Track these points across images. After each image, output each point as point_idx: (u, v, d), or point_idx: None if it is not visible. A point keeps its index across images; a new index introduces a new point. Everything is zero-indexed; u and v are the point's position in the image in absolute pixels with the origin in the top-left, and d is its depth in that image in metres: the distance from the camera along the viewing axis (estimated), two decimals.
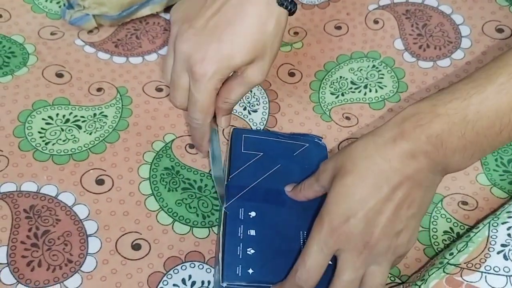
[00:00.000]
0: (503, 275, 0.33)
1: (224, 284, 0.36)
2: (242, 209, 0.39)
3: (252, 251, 0.37)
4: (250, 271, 0.36)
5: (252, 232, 0.37)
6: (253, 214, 0.38)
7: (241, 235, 0.37)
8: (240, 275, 0.36)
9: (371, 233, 0.31)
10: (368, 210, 0.30)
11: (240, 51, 0.33)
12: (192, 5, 0.36)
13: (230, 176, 0.40)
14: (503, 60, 0.30)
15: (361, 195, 0.30)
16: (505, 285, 0.33)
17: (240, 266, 0.36)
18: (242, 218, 0.38)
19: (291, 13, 0.35)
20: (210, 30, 0.34)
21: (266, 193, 0.40)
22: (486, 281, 0.33)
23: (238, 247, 0.37)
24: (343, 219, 0.31)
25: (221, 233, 0.39)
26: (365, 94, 0.51)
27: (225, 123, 0.38)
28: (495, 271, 0.33)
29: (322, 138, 0.45)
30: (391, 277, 0.41)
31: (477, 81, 0.29)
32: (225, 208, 0.39)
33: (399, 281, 0.40)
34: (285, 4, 0.34)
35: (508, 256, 0.34)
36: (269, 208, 0.38)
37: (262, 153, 0.42)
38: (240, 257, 0.37)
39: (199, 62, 0.34)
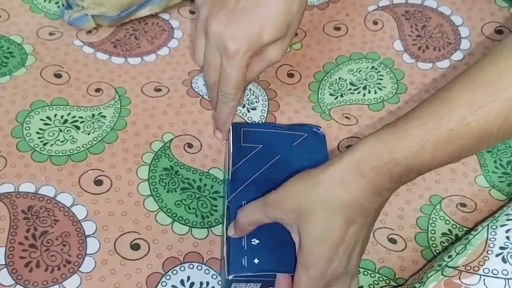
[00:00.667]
0: (502, 278, 0.33)
1: (231, 276, 0.36)
2: (244, 201, 0.39)
3: (257, 241, 0.37)
4: (256, 261, 0.36)
5: None
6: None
7: None
8: (246, 265, 0.36)
9: (352, 263, 0.34)
10: (346, 245, 0.33)
11: (268, 30, 0.36)
12: None
13: (231, 170, 0.40)
14: (451, 92, 0.31)
15: (337, 234, 0.32)
16: None
17: (245, 257, 0.36)
18: None
19: None
20: (240, 11, 0.36)
21: (267, 184, 0.39)
22: (484, 283, 0.33)
23: (243, 238, 0.37)
24: (327, 262, 0.32)
25: (224, 227, 0.39)
26: (364, 95, 0.51)
27: (240, 100, 0.41)
28: (494, 274, 0.33)
29: (320, 127, 0.45)
30: (386, 280, 0.41)
31: (427, 125, 0.31)
32: (227, 202, 0.39)
33: (395, 284, 0.40)
34: None
35: (507, 259, 0.34)
36: None
37: (261, 145, 0.42)
38: (245, 248, 0.37)
39: (232, 40, 0.36)
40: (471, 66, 0.32)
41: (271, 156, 0.42)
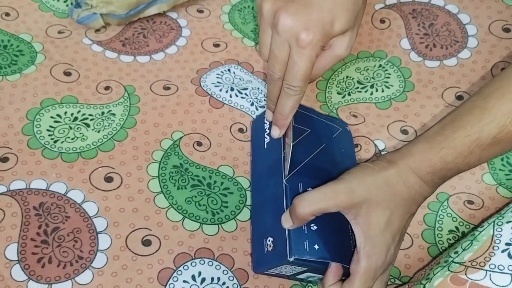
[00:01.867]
0: (508, 273, 0.33)
1: (292, 258, 0.36)
2: (301, 184, 0.39)
3: (315, 227, 0.37)
4: (316, 246, 0.36)
5: None
6: (310, 190, 0.37)
7: None
8: (308, 250, 0.36)
9: (395, 253, 0.37)
10: (400, 234, 0.36)
11: (339, 19, 0.37)
12: None
13: (291, 146, 0.40)
14: (490, 102, 0.36)
15: (397, 224, 0.36)
16: (510, 283, 0.33)
17: (307, 241, 0.36)
18: (301, 192, 0.38)
19: None
20: (309, 1, 0.37)
21: (317, 170, 0.40)
22: (490, 279, 0.33)
23: None
24: (387, 250, 0.35)
25: (284, 205, 0.38)
26: (371, 94, 0.51)
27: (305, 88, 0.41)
28: (500, 269, 0.34)
29: (347, 125, 0.47)
30: (391, 278, 0.41)
31: (472, 135, 0.35)
32: (285, 180, 0.39)
33: (400, 282, 0.41)
34: None
35: None
36: (323, 184, 0.38)
37: (309, 130, 0.42)
38: (306, 232, 0.37)
39: (305, 30, 0.36)
40: (503, 74, 0.36)
41: (317, 143, 0.42)
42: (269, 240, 0.38)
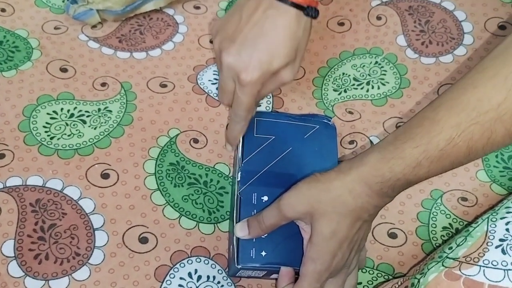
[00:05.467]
0: (501, 269, 0.34)
1: (239, 266, 0.38)
2: (255, 194, 0.40)
3: (265, 234, 0.39)
4: (263, 253, 0.38)
5: None
6: (265, 198, 0.40)
7: None
8: (254, 257, 0.38)
9: (351, 257, 0.38)
10: (349, 241, 0.37)
11: (277, 57, 0.39)
12: (229, 22, 0.40)
13: (243, 161, 0.42)
14: (439, 114, 0.35)
15: (344, 232, 0.36)
16: (503, 279, 0.33)
17: (254, 249, 0.38)
18: (255, 203, 0.40)
19: (315, 18, 0.40)
20: (250, 42, 0.39)
21: (278, 177, 0.41)
22: (484, 274, 0.34)
23: None
24: (332, 256, 0.37)
25: (234, 217, 0.40)
26: (367, 91, 0.51)
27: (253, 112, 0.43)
28: (493, 265, 0.34)
29: (331, 118, 0.46)
30: (384, 275, 0.42)
31: (420, 147, 0.34)
32: (239, 193, 0.41)
33: (393, 279, 0.41)
34: (310, 13, 0.40)
35: (506, 251, 0.35)
36: (281, 192, 0.39)
37: (274, 137, 0.43)
38: (254, 240, 0.39)
39: (244, 71, 0.39)
40: (454, 86, 0.35)
41: (282, 148, 0.43)
42: (230, 248, 0.40)
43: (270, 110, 0.49)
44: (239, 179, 0.41)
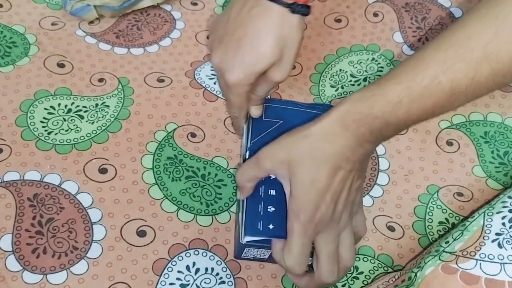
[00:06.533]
0: (497, 262, 0.34)
1: (246, 238, 0.37)
2: None
3: (273, 208, 0.38)
4: (271, 226, 0.38)
5: (273, 192, 0.39)
6: (273, 176, 0.39)
7: (262, 194, 0.39)
8: (261, 229, 0.37)
9: (338, 210, 0.36)
10: (332, 192, 0.35)
11: (261, 58, 0.38)
12: (219, 23, 0.41)
13: (252, 141, 0.42)
14: (426, 52, 0.34)
15: (323, 182, 0.35)
16: (499, 272, 0.34)
17: (261, 222, 0.38)
18: (264, 179, 0.39)
19: (305, 14, 0.39)
20: (235, 43, 0.38)
21: None
22: (480, 268, 0.34)
23: (259, 205, 0.38)
24: (315, 207, 0.35)
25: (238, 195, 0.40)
26: (364, 87, 0.52)
27: (255, 112, 0.43)
28: (490, 258, 0.34)
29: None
30: (384, 267, 0.42)
31: (403, 83, 0.34)
32: None
33: (392, 271, 0.42)
34: (296, 10, 0.38)
35: (502, 244, 0.35)
36: None
37: (282, 121, 0.43)
38: (262, 214, 0.38)
39: (228, 72, 0.39)
40: (445, 29, 0.35)
41: (288, 130, 0.42)
42: (236, 227, 0.40)
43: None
44: (246, 157, 0.41)
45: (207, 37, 0.54)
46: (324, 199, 0.35)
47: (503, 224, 0.37)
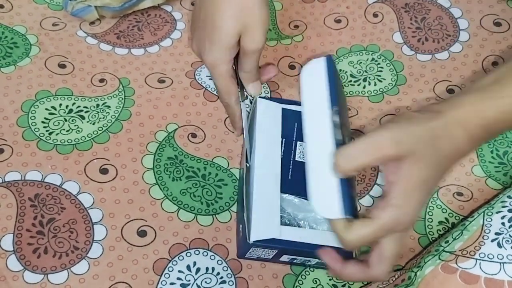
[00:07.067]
0: (497, 262, 0.34)
1: (251, 241, 0.37)
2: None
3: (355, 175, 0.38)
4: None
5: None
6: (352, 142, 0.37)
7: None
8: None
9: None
10: (431, 196, 0.35)
11: (224, 31, 0.38)
12: (195, 10, 0.42)
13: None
14: None
15: (432, 184, 0.34)
16: (499, 272, 0.34)
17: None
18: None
19: None
20: (202, 26, 0.40)
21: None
22: (480, 267, 0.34)
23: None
24: (419, 207, 0.33)
25: (244, 191, 0.40)
26: (364, 87, 0.52)
27: (253, 91, 0.43)
28: (489, 258, 0.34)
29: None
30: None
31: None
32: (248, 162, 0.41)
33: (391, 270, 0.41)
34: None
35: (502, 244, 0.35)
36: None
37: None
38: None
39: (204, 55, 0.40)
40: None
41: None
42: (240, 227, 0.40)
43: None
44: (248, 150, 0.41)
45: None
46: (425, 201, 0.34)
47: (503, 223, 0.37)
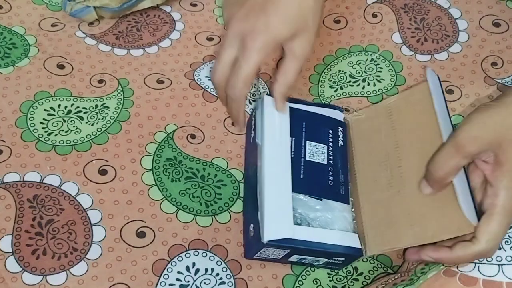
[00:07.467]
0: (495, 264, 0.34)
1: (265, 241, 0.37)
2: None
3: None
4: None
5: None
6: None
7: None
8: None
9: None
10: None
11: (284, 23, 0.38)
12: None
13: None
14: None
15: None
16: (497, 273, 0.34)
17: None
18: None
19: None
20: (258, 7, 0.38)
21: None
22: (479, 270, 0.34)
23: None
24: None
25: (258, 190, 0.40)
26: (363, 87, 0.52)
27: (283, 108, 0.42)
28: (488, 261, 0.35)
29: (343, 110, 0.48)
30: (383, 267, 0.42)
31: None
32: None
33: (391, 271, 0.42)
34: None
35: (501, 245, 0.35)
36: None
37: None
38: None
39: (251, 34, 0.38)
40: None
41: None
42: (251, 227, 0.40)
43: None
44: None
45: (208, 38, 0.54)
46: None
47: None
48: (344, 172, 0.43)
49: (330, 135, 0.45)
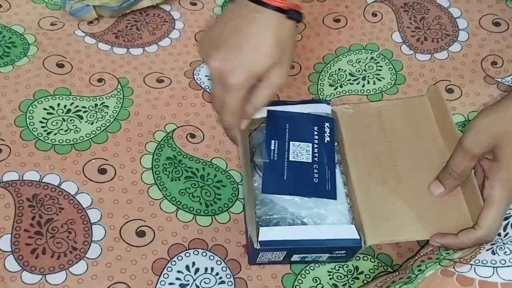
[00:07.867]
0: (490, 266, 0.35)
1: (258, 247, 0.38)
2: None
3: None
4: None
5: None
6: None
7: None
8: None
9: None
10: None
11: (262, 58, 0.39)
12: (214, 31, 0.41)
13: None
14: None
15: None
16: (492, 275, 0.35)
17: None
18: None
19: (299, 21, 0.41)
20: (235, 46, 0.39)
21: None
22: (475, 271, 0.35)
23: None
24: None
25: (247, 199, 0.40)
26: (363, 86, 0.52)
27: (244, 126, 0.44)
28: (483, 263, 0.35)
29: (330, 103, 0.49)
30: (384, 265, 0.42)
31: None
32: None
33: (391, 270, 0.42)
34: (292, 16, 0.40)
35: (496, 251, 0.36)
36: None
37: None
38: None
39: (231, 74, 0.39)
40: None
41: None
42: (248, 234, 0.40)
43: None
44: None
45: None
46: None
47: (498, 234, 0.38)
48: (331, 167, 0.44)
49: (316, 133, 0.45)
